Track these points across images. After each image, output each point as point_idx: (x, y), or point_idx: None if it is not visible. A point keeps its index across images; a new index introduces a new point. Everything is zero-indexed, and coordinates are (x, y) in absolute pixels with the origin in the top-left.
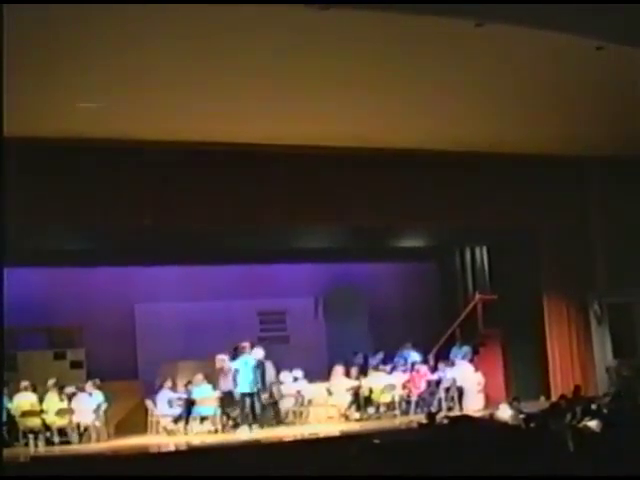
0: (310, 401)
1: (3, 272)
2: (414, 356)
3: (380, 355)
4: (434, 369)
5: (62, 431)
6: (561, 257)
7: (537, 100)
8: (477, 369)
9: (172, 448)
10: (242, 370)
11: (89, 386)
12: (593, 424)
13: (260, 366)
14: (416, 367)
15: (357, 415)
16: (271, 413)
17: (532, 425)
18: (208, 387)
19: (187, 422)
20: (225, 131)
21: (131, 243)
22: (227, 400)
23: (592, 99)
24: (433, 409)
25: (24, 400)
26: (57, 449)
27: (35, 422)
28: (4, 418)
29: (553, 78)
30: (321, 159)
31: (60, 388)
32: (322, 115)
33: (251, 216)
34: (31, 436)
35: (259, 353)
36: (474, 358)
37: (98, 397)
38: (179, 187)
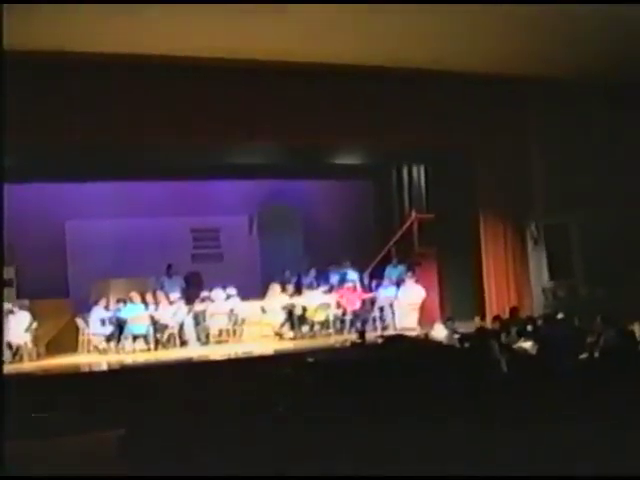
0: (244, 319)
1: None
2: (350, 274)
3: (314, 273)
4: (369, 288)
5: None
6: (498, 177)
7: (476, 17)
8: (413, 288)
9: (104, 367)
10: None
11: (17, 305)
12: (527, 345)
13: None
14: (351, 285)
15: (291, 334)
16: None
17: (466, 345)
18: (140, 305)
19: (119, 341)
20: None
21: (63, 159)
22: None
23: (533, 17)
24: (367, 328)
25: None
26: None
27: None
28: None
29: None
30: (254, 74)
31: None
32: (252, 29)
33: (186, 132)
34: None
35: None
36: (409, 277)
37: (27, 317)
38: (110, 103)
